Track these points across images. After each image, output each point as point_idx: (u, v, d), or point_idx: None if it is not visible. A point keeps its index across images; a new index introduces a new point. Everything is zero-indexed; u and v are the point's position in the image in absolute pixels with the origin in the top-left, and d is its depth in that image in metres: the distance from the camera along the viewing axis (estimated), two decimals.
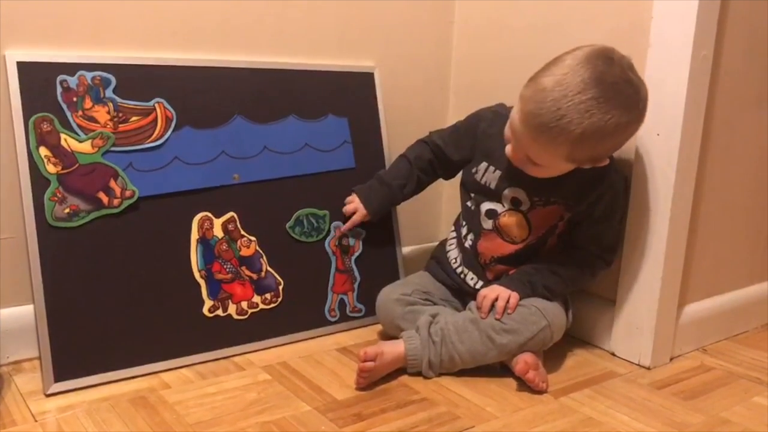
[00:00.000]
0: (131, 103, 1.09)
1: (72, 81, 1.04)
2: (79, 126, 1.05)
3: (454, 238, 1.25)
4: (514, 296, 1.09)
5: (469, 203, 1.22)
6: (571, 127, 0.96)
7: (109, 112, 1.07)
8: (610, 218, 1.14)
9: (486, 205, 1.17)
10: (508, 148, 1.09)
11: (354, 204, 1.27)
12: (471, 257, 1.20)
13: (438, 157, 1.26)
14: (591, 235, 1.14)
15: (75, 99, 1.04)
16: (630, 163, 1.16)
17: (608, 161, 1.11)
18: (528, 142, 1.02)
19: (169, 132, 1.12)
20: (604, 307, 1.24)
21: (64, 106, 1.04)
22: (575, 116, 0.95)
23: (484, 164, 1.18)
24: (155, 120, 1.11)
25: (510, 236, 1.16)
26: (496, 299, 1.09)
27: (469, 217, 1.22)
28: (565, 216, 1.13)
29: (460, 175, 1.26)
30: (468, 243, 1.21)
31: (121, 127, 1.08)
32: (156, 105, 1.11)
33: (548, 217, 1.14)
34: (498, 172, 1.16)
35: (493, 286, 1.12)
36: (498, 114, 1.16)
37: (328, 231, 1.27)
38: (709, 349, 1.28)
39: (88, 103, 1.05)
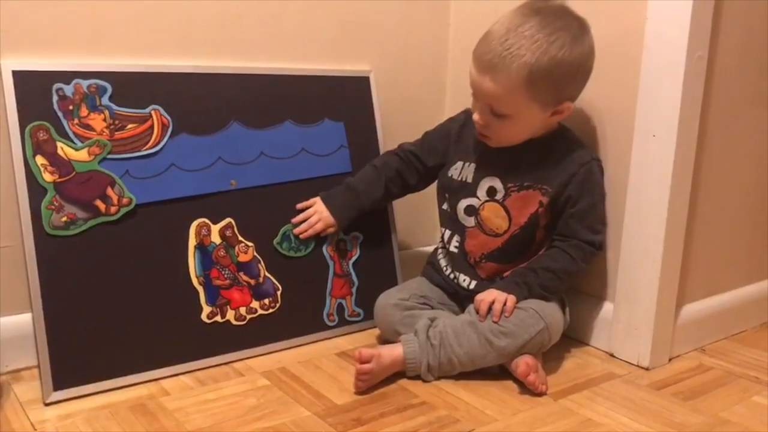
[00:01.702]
0: (127, 111, 1.09)
1: (68, 89, 1.04)
2: (76, 134, 1.05)
3: (442, 247, 1.26)
4: (511, 299, 1.09)
5: (444, 206, 1.23)
6: (521, 52, 1.02)
7: (105, 120, 1.07)
8: (590, 199, 1.14)
9: (464, 203, 1.19)
10: (475, 116, 1.12)
11: (318, 214, 1.24)
12: (459, 259, 1.21)
13: (409, 165, 1.27)
14: (575, 222, 1.14)
15: (71, 107, 1.04)
16: (626, 163, 1.16)
17: (574, 139, 1.16)
18: (487, 89, 1.06)
19: (166, 139, 1.12)
20: (602, 308, 1.24)
21: (60, 115, 1.04)
22: (523, 42, 1.02)
23: (459, 163, 1.20)
24: (151, 127, 1.11)
25: (492, 229, 1.16)
26: (493, 302, 1.09)
27: (448, 221, 1.23)
28: (544, 202, 1.13)
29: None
30: (453, 246, 1.21)
31: (118, 134, 1.08)
32: (152, 112, 1.11)
33: (526, 204, 1.14)
34: (473, 165, 1.18)
35: (489, 290, 1.12)
36: (471, 113, 1.16)
37: (317, 243, 1.26)
38: (708, 349, 1.28)
39: (84, 111, 1.05)
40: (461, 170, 1.20)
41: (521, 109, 1.07)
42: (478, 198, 1.17)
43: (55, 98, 1.03)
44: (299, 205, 1.25)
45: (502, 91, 1.05)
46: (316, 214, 1.24)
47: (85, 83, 1.06)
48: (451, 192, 1.21)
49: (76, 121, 1.05)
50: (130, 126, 1.09)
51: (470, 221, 1.18)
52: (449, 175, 1.22)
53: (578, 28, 1.06)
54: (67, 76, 1.05)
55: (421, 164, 1.27)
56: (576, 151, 1.14)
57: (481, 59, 1.06)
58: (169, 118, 1.12)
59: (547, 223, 1.16)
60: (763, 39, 1.24)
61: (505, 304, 1.09)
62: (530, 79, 1.03)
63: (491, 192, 1.16)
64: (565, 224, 1.15)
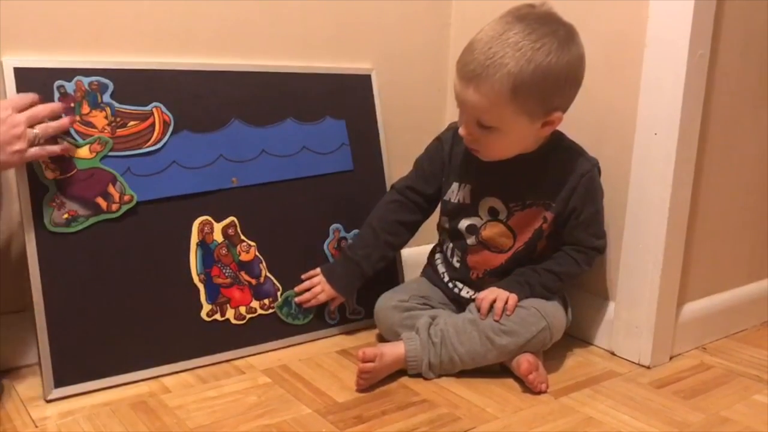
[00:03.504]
0: (129, 108, 1.09)
1: (69, 86, 1.04)
2: (77, 131, 1.04)
3: (440, 252, 1.25)
4: (513, 298, 1.09)
5: (445, 224, 1.21)
6: (506, 60, 0.98)
7: (106, 117, 1.07)
8: (593, 207, 1.14)
9: (464, 222, 1.17)
10: (461, 129, 1.08)
11: (322, 285, 1.21)
12: (461, 273, 1.20)
13: (408, 205, 1.22)
14: (580, 232, 1.14)
15: (72, 104, 1.04)
16: (628, 161, 1.16)
17: (568, 144, 1.14)
18: (471, 100, 1.02)
19: (167, 136, 1.12)
20: (604, 307, 1.24)
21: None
22: (507, 51, 0.98)
23: (455, 184, 1.18)
24: (153, 124, 1.11)
25: (497, 247, 1.16)
26: (495, 300, 1.09)
27: (448, 237, 1.21)
28: (548, 217, 1.13)
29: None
30: (456, 260, 1.20)
31: (119, 131, 1.08)
32: (154, 109, 1.11)
33: (530, 221, 1.13)
34: (469, 186, 1.16)
35: (491, 288, 1.12)
36: (457, 131, 1.12)
37: (317, 313, 1.24)
38: (709, 348, 1.28)
39: (85, 109, 1.05)
40: (457, 192, 1.17)
41: (508, 122, 1.03)
42: (479, 218, 1.16)
43: (56, 95, 1.03)
44: (304, 276, 1.23)
45: (486, 102, 1.00)
46: (321, 285, 1.21)
47: (86, 80, 1.06)
48: (450, 214, 1.19)
49: (77, 118, 1.05)
50: (131, 123, 1.09)
51: (472, 239, 1.17)
52: (446, 198, 1.19)
53: (565, 34, 1.01)
54: (68, 74, 1.04)
55: (420, 197, 1.22)
56: (575, 161, 1.12)
57: (464, 69, 1.01)
58: (170, 115, 1.12)
59: (550, 233, 1.16)
60: (765, 38, 1.24)
61: (506, 302, 1.09)
62: (515, 89, 0.98)
63: (493, 212, 1.14)
64: (570, 234, 1.14)
